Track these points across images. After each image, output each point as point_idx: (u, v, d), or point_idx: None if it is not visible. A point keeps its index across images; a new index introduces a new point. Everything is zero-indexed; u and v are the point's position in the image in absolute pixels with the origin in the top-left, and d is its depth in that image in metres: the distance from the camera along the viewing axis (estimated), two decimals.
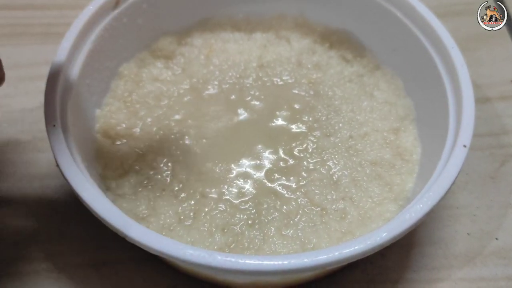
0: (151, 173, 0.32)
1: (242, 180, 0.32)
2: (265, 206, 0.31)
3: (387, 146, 0.34)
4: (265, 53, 0.39)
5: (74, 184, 0.25)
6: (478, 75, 0.41)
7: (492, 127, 0.39)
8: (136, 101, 0.35)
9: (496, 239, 0.34)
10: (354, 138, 0.34)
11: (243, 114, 0.35)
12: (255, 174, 0.32)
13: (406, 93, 0.35)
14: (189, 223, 0.30)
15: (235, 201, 0.31)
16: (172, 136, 0.34)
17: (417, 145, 0.33)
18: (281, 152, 0.33)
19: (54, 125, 0.27)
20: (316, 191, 0.31)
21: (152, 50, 0.37)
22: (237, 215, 0.30)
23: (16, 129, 0.38)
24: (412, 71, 0.35)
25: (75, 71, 0.31)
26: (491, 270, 0.32)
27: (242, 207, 0.31)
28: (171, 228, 0.29)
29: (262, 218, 0.30)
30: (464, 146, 0.27)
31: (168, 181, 0.32)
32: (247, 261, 0.23)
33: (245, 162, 0.33)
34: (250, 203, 0.31)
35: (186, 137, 0.34)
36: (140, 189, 0.31)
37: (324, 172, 0.32)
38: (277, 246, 0.29)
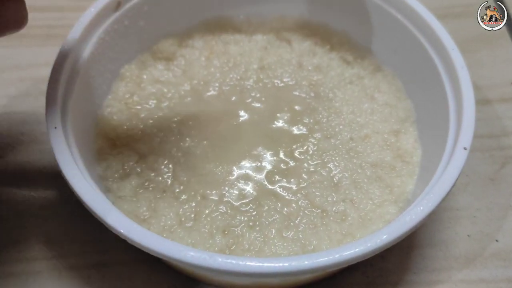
0: (152, 174, 0.32)
1: (242, 182, 0.32)
2: (266, 208, 0.31)
3: (388, 148, 0.34)
4: (266, 55, 0.39)
5: (75, 186, 0.25)
6: (479, 77, 0.41)
7: (492, 128, 0.39)
8: (137, 103, 0.35)
9: (496, 241, 0.34)
10: (355, 140, 0.34)
11: (243, 116, 0.35)
12: (255, 176, 0.32)
13: (406, 95, 0.36)
14: (189, 224, 0.30)
15: (235, 203, 0.31)
16: (173, 138, 0.34)
17: (417, 147, 0.33)
18: (281, 154, 0.33)
19: (56, 127, 0.27)
20: (317, 193, 0.31)
21: (153, 52, 0.38)
22: (238, 217, 0.30)
23: (17, 130, 0.38)
24: (413, 73, 0.35)
25: (76, 73, 0.31)
26: (491, 272, 0.32)
27: (243, 209, 0.31)
28: (172, 230, 0.30)
29: (263, 220, 0.30)
30: (465, 148, 0.27)
31: (169, 182, 0.32)
32: (248, 263, 0.23)
33: (246, 164, 0.33)
34: (251, 205, 0.31)
35: (187, 138, 0.34)
36: (140, 191, 0.31)
37: (325, 174, 0.32)
38: (277, 248, 0.29)
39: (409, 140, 0.34)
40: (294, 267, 0.23)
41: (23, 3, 0.25)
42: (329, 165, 0.33)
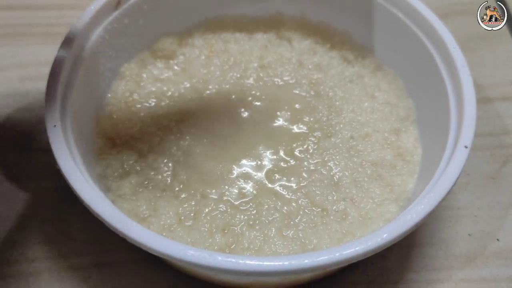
0: (152, 173, 0.32)
1: (242, 181, 0.32)
2: (266, 206, 0.31)
3: (388, 147, 0.34)
4: (266, 54, 0.39)
5: (75, 185, 0.25)
6: (480, 76, 0.41)
7: (493, 127, 0.39)
8: (137, 101, 0.35)
9: (497, 240, 0.34)
10: (355, 138, 0.34)
11: (244, 114, 0.35)
12: (255, 175, 0.32)
13: (407, 94, 0.35)
14: (189, 223, 0.30)
15: (235, 202, 0.31)
16: (173, 137, 0.34)
17: (418, 146, 0.33)
18: (281, 153, 0.33)
19: (55, 126, 0.27)
20: (317, 192, 0.31)
21: (153, 50, 0.37)
22: (238, 216, 0.30)
23: (17, 129, 0.38)
24: (413, 72, 0.35)
25: (76, 71, 0.31)
26: (492, 271, 0.32)
27: (243, 207, 0.31)
28: (172, 228, 0.29)
29: (263, 218, 0.30)
30: (465, 147, 0.27)
31: (169, 181, 0.32)
32: (248, 262, 0.23)
33: (246, 162, 0.33)
34: (251, 203, 0.31)
35: (187, 137, 0.34)
36: (140, 190, 0.31)
37: (325, 172, 0.32)
38: (277, 246, 0.29)
39: (410, 139, 0.34)
40: (294, 266, 0.23)
41: None
42: (329, 163, 0.33)
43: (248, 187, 0.32)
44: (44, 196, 0.34)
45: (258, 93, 0.36)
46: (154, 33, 0.37)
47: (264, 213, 0.30)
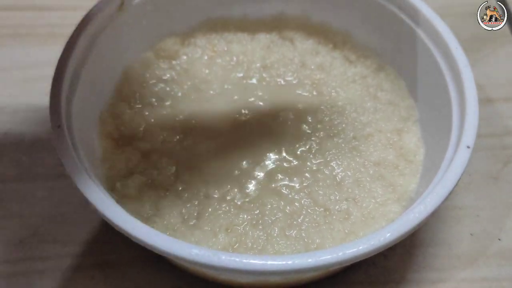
0: (155, 173, 0.32)
1: (245, 181, 0.32)
2: (269, 206, 0.31)
3: (391, 147, 0.34)
4: (268, 54, 0.39)
5: (79, 185, 0.25)
6: (482, 76, 0.41)
7: (495, 128, 0.39)
8: (140, 102, 0.35)
9: (499, 239, 0.34)
10: (358, 139, 0.34)
11: (246, 115, 0.35)
12: (258, 175, 0.32)
13: (409, 94, 0.36)
14: (193, 223, 0.30)
15: (238, 202, 0.31)
16: (176, 137, 0.34)
17: (420, 146, 0.33)
18: (284, 153, 0.33)
19: (59, 126, 0.27)
20: (320, 192, 0.31)
21: (156, 50, 0.38)
22: (241, 215, 0.30)
23: (21, 130, 0.38)
24: (416, 72, 0.35)
25: (79, 72, 0.31)
26: (494, 271, 0.32)
27: (246, 207, 0.31)
28: (175, 228, 0.30)
29: (266, 218, 0.30)
30: (468, 147, 0.27)
31: (172, 181, 0.32)
32: (251, 261, 0.23)
33: (249, 162, 0.33)
34: (254, 203, 0.31)
35: (190, 137, 0.34)
36: (144, 190, 0.31)
37: (328, 172, 0.32)
38: (280, 246, 0.29)
39: (412, 139, 0.34)
40: (298, 265, 0.23)
41: None
42: (332, 163, 0.33)
43: (251, 187, 0.32)
44: (48, 196, 0.35)
45: (260, 93, 0.36)
46: (157, 34, 0.37)
47: (267, 212, 0.31)
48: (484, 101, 0.40)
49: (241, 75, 0.37)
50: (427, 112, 0.34)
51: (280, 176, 0.32)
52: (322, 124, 0.35)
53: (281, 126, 0.35)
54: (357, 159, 0.33)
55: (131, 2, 0.34)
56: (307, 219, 0.30)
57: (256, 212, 0.31)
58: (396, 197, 0.31)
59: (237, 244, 0.29)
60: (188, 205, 0.31)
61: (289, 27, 0.39)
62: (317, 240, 0.29)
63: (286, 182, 0.32)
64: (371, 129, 0.34)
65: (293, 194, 0.31)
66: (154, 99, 0.36)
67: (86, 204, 0.25)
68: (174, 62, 0.38)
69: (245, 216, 0.30)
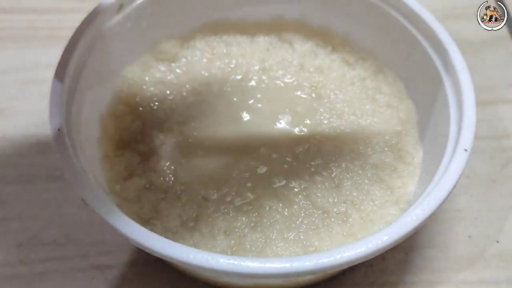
0: (154, 176, 0.32)
1: (244, 183, 0.32)
2: (267, 208, 0.31)
3: (389, 149, 0.34)
4: (267, 56, 0.39)
5: (78, 187, 0.25)
6: (480, 78, 0.41)
7: (493, 130, 0.39)
8: (139, 104, 0.35)
9: (497, 242, 0.34)
10: (356, 141, 0.34)
11: (245, 117, 0.36)
12: (257, 177, 0.32)
13: (408, 97, 0.36)
14: (191, 225, 0.30)
15: (237, 204, 0.31)
16: (175, 139, 0.34)
17: (418, 149, 0.33)
18: (283, 155, 0.33)
19: (59, 129, 0.27)
20: (318, 194, 0.32)
21: (155, 53, 0.38)
22: (239, 218, 0.30)
23: (21, 132, 0.38)
24: (414, 75, 0.35)
25: (79, 74, 0.31)
26: (492, 273, 0.32)
27: (244, 209, 0.31)
28: (174, 230, 0.30)
29: (264, 220, 0.30)
30: (465, 150, 0.27)
31: (171, 184, 0.32)
32: (250, 264, 0.23)
33: (248, 164, 0.33)
34: (252, 205, 0.31)
35: (189, 140, 0.34)
36: (143, 192, 0.31)
37: (326, 175, 0.33)
38: (279, 248, 0.29)
39: (410, 142, 0.34)
40: (296, 268, 0.23)
41: None
42: (330, 166, 0.33)
43: (250, 189, 0.32)
44: (48, 198, 0.35)
45: (259, 96, 0.37)
46: (157, 36, 0.37)
47: (265, 215, 0.31)
48: (483, 103, 0.40)
49: (240, 77, 0.38)
50: (426, 114, 0.34)
51: (278, 178, 0.32)
52: (320, 126, 0.35)
53: (280, 128, 0.35)
54: (356, 162, 0.33)
55: (131, 4, 0.34)
56: (305, 222, 0.30)
57: (254, 214, 0.31)
58: (394, 199, 0.31)
59: (236, 247, 0.29)
60: (186, 208, 0.31)
61: (288, 29, 0.40)
62: (316, 243, 0.29)
63: (284, 185, 0.32)
64: (369, 132, 0.34)
65: (291, 196, 0.32)
66: (153, 102, 0.36)
67: (85, 207, 0.25)
68: (173, 64, 0.38)
69: (244, 219, 0.30)
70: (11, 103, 0.39)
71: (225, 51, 0.39)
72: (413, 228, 0.25)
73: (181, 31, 0.38)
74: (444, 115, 0.31)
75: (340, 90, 0.37)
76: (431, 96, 0.33)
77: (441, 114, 0.31)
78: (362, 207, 0.31)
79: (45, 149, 0.37)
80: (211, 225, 0.30)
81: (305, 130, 0.35)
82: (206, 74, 0.37)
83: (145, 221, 0.30)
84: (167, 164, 0.33)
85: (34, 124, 0.38)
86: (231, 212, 0.31)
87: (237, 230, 0.30)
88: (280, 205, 0.31)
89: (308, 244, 0.29)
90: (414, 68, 0.34)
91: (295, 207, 0.31)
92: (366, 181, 0.32)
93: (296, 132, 0.35)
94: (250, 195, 0.32)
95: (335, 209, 0.31)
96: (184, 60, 0.38)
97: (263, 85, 0.37)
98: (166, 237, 0.24)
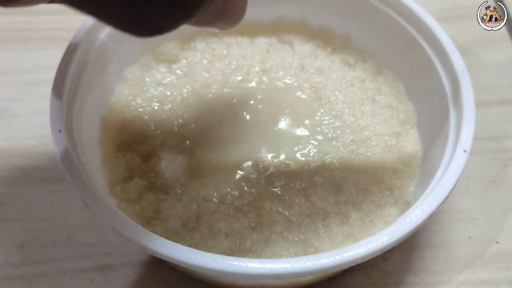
0: (155, 177, 0.32)
1: (244, 184, 0.32)
2: (268, 209, 0.31)
3: (389, 150, 0.34)
4: (267, 57, 0.39)
5: (79, 189, 0.26)
6: (480, 79, 0.41)
7: (493, 131, 0.39)
8: (140, 106, 0.36)
9: (497, 242, 0.34)
10: (356, 142, 0.34)
11: (246, 118, 0.36)
12: (257, 178, 0.32)
13: (407, 98, 0.36)
14: (192, 226, 0.30)
15: (237, 205, 0.31)
16: (175, 140, 0.34)
17: (418, 150, 0.34)
18: (283, 156, 0.34)
19: (60, 131, 0.27)
20: (318, 195, 0.32)
21: (155, 54, 0.38)
22: (240, 219, 0.31)
23: (21, 134, 0.38)
24: (414, 76, 0.35)
25: (80, 76, 0.31)
26: (492, 274, 0.32)
27: (245, 210, 0.31)
28: (175, 231, 0.30)
29: (265, 221, 0.31)
30: (464, 151, 0.27)
31: (171, 185, 0.32)
32: (250, 265, 0.23)
33: (248, 165, 0.33)
34: (253, 206, 0.31)
35: (189, 141, 0.34)
36: (144, 193, 0.31)
37: (326, 175, 0.33)
38: (279, 249, 0.29)
39: (410, 143, 0.34)
40: (296, 269, 0.23)
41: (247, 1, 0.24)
42: (330, 167, 0.33)
43: (250, 190, 0.32)
44: (49, 200, 0.35)
45: (260, 97, 0.37)
46: (157, 37, 0.37)
47: (265, 216, 0.31)
48: (483, 104, 0.40)
49: (240, 78, 0.38)
50: (425, 115, 0.34)
51: (279, 179, 0.32)
52: (320, 127, 0.35)
53: (280, 129, 0.35)
54: (356, 163, 0.33)
55: None
56: (305, 222, 0.31)
57: (254, 215, 0.31)
58: (394, 200, 0.31)
59: (236, 247, 0.29)
60: (187, 208, 0.31)
61: (288, 30, 0.40)
62: (316, 243, 0.29)
63: (284, 185, 0.32)
64: (369, 133, 0.35)
65: (291, 197, 0.32)
66: (153, 103, 0.36)
67: (86, 208, 0.26)
68: (173, 66, 0.38)
69: (244, 219, 0.30)
70: (12, 104, 0.39)
71: (225, 52, 0.39)
72: (412, 229, 0.25)
73: (181, 32, 0.38)
74: (443, 116, 0.31)
75: (340, 91, 0.37)
76: (431, 97, 0.33)
77: (441, 115, 0.31)
78: (362, 208, 0.31)
79: (45, 150, 0.37)
80: (212, 226, 0.30)
81: (305, 131, 0.35)
82: (207, 75, 0.38)
83: (146, 222, 0.30)
84: (168, 165, 0.33)
85: (35, 126, 0.38)
86: (231, 212, 0.31)
87: (237, 230, 0.30)
88: (280, 205, 0.31)
89: (308, 244, 0.29)
90: (414, 69, 0.35)
91: (295, 207, 0.31)
92: (366, 181, 0.32)
93: (296, 133, 0.35)
94: (250, 196, 0.32)
95: (335, 210, 0.31)
96: (184, 61, 0.38)
97: (263, 86, 0.37)
98: (167, 238, 0.24)
